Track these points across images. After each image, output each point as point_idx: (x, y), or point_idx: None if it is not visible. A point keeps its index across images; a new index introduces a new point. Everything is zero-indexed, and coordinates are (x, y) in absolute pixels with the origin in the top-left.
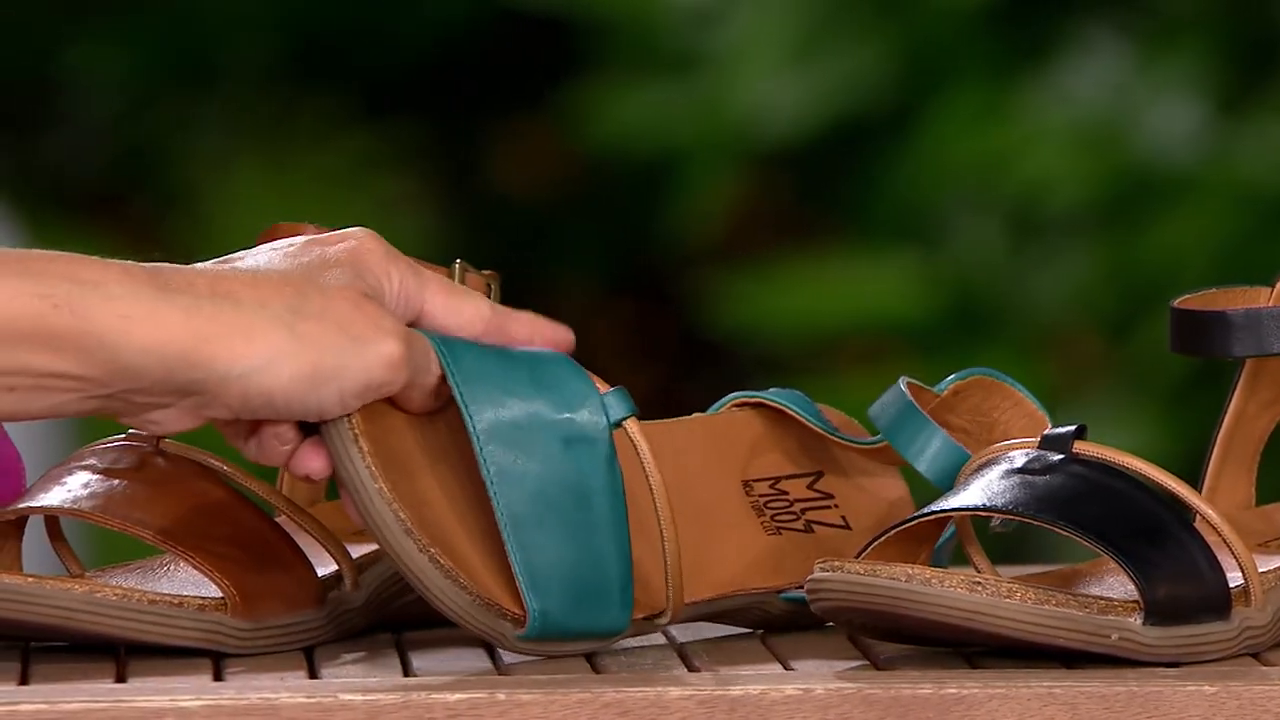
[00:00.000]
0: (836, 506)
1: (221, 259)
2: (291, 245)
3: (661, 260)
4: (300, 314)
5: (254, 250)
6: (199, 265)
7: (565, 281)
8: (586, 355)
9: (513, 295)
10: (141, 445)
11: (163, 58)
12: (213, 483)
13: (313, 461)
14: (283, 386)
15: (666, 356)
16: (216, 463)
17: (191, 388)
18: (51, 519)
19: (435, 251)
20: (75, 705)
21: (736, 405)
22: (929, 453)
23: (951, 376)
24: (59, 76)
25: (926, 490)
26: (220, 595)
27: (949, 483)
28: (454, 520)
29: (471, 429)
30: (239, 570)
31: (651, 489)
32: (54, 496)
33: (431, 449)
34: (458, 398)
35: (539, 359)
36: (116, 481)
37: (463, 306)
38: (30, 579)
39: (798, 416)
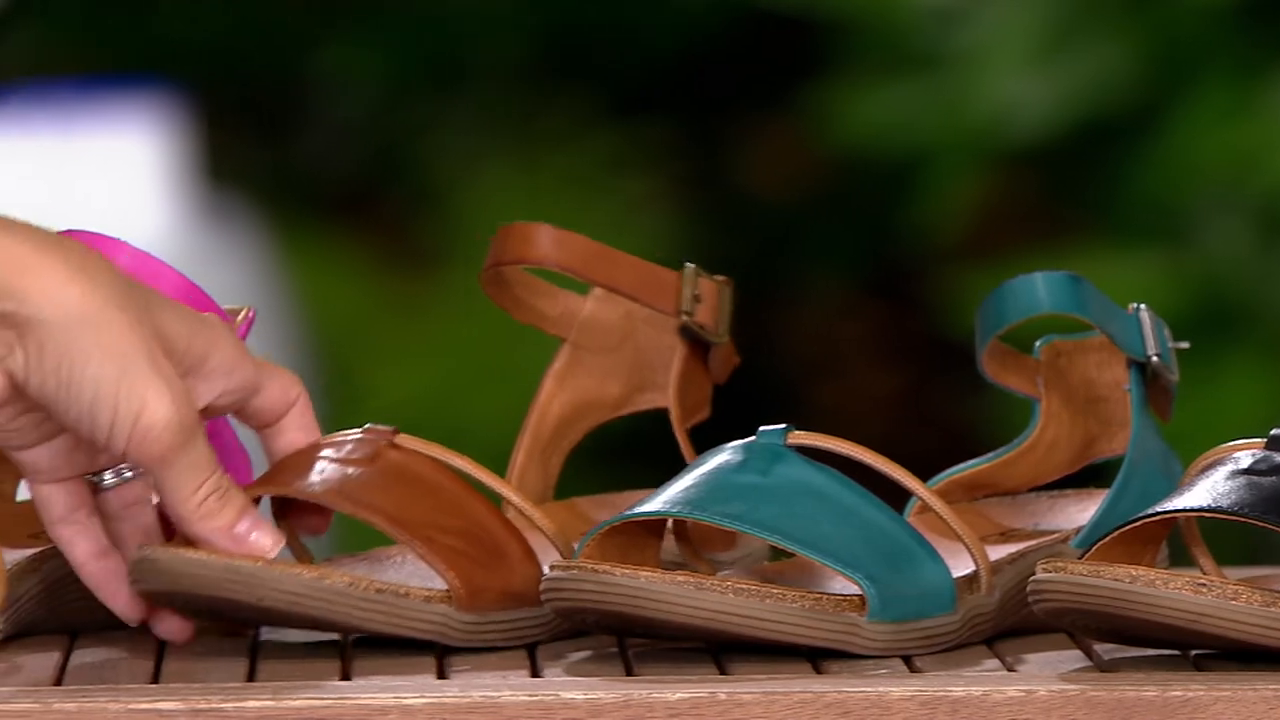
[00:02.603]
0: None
1: None
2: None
3: (908, 260)
4: (124, 309)
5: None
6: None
7: (812, 283)
8: (835, 357)
9: (761, 296)
10: (376, 438)
11: (414, 58)
12: (445, 475)
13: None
14: (79, 352)
15: (916, 357)
16: (450, 456)
17: (3, 318)
18: (279, 505)
19: (680, 252)
20: (300, 701)
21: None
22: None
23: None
24: (312, 77)
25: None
26: (445, 589)
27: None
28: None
29: (718, 521)
30: (467, 563)
31: (874, 465)
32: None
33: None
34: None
35: (695, 468)
36: (351, 469)
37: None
38: (260, 562)
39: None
